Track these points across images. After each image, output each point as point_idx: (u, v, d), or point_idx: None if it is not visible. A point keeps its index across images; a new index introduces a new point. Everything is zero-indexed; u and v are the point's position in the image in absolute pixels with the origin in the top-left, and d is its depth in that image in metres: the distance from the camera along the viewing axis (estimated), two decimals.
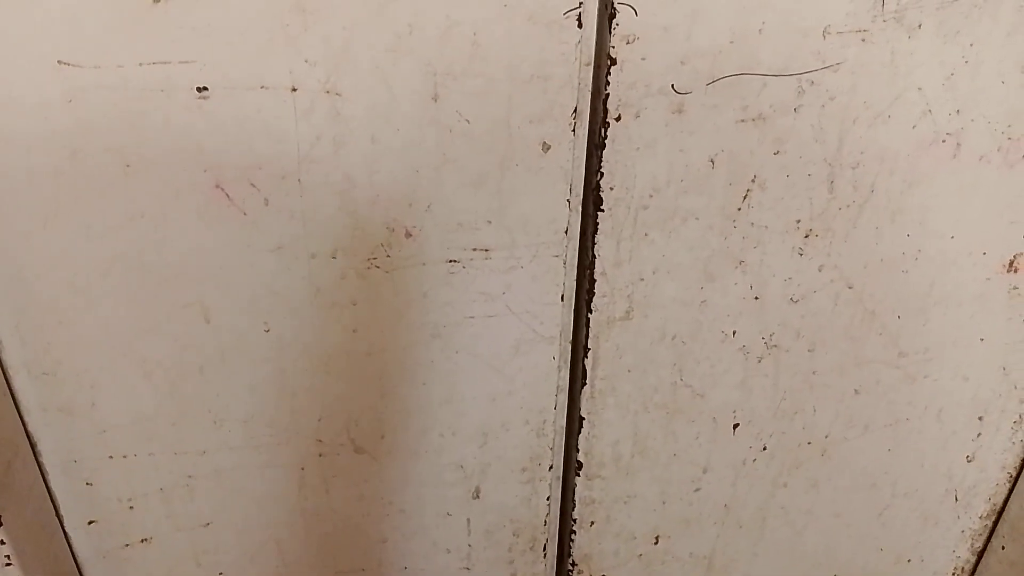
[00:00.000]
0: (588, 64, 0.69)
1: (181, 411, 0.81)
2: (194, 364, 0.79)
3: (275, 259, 0.74)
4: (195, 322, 0.76)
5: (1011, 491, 1.08)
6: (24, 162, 0.66)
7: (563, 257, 0.79)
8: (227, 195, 0.70)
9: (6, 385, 0.77)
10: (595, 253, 0.79)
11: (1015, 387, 0.97)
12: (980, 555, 1.14)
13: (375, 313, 0.79)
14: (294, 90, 0.66)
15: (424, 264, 0.77)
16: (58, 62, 0.62)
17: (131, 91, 0.64)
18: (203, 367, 0.79)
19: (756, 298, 0.84)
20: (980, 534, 1.12)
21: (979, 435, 1.01)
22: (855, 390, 0.93)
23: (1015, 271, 0.87)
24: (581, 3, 0.66)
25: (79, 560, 0.90)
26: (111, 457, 0.83)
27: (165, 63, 0.63)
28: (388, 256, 0.76)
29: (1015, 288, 0.89)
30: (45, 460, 0.82)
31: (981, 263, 0.87)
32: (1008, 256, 0.87)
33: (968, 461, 1.03)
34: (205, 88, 0.64)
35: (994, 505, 1.09)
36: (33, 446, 0.81)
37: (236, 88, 0.65)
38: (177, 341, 0.77)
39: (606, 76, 0.69)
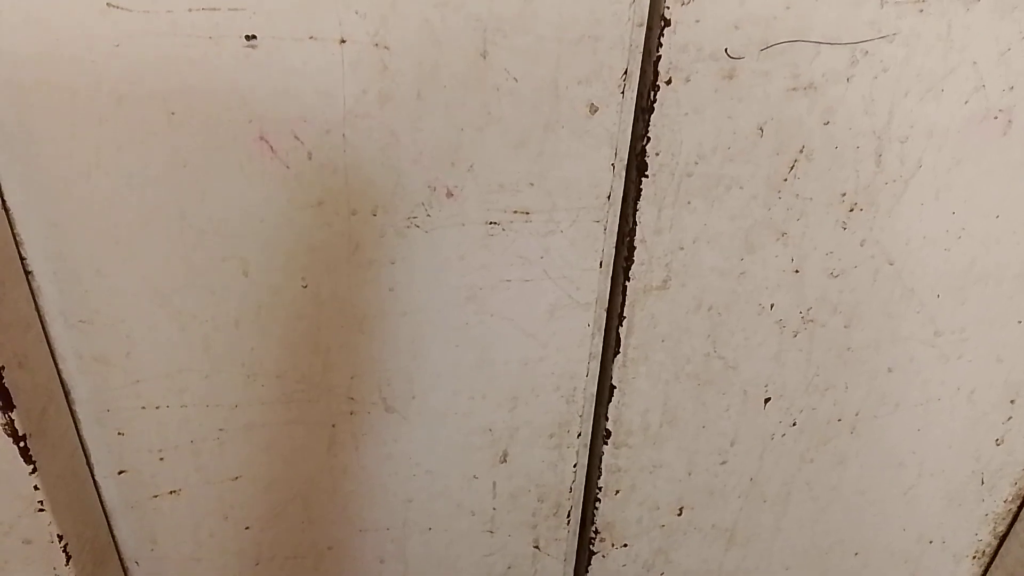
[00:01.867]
0: (641, 25, 0.68)
1: (215, 364, 0.81)
2: (230, 317, 0.78)
3: (315, 214, 0.74)
4: (233, 275, 0.76)
5: None
6: (69, 108, 0.66)
7: (604, 223, 0.78)
8: (271, 147, 0.69)
9: (43, 332, 0.77)
10: (636, 220, 0.78)
11: None
12: (1002, 539, 1.14)
13: (412, 273, 0.79)
14: (343, 42, 0.65)
15: (463, 225, 0.76)
16: (107, 5, 0.61)
17: (179, 37, 0.63)
18: (239, 321, 0.79)
19: (796, 271, 0.83)
20: (1004, 518, 1.12)
21: (1009, 418, 1.00)
22: (888, 368, 0.92)
23: None
24: None
25: (108, 509, 0.90)
26: (143, 408, 0.83)
27: (214, 10, 0.62)
28: (428, 215, 0.75)
29: None
30: (78, 409, 0.82)
31: (1023, 243, 0.86)
32: None
33: (997, 444, 1.02)
34: (254, 36, 0.64)
35: (1020, 489, 1.09)
36: (67, 394, 0.81)
37: (285, 38, 0.64)
38: (214, 294, 0.77)
39: (659, 38, 0.68)
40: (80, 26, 0.62)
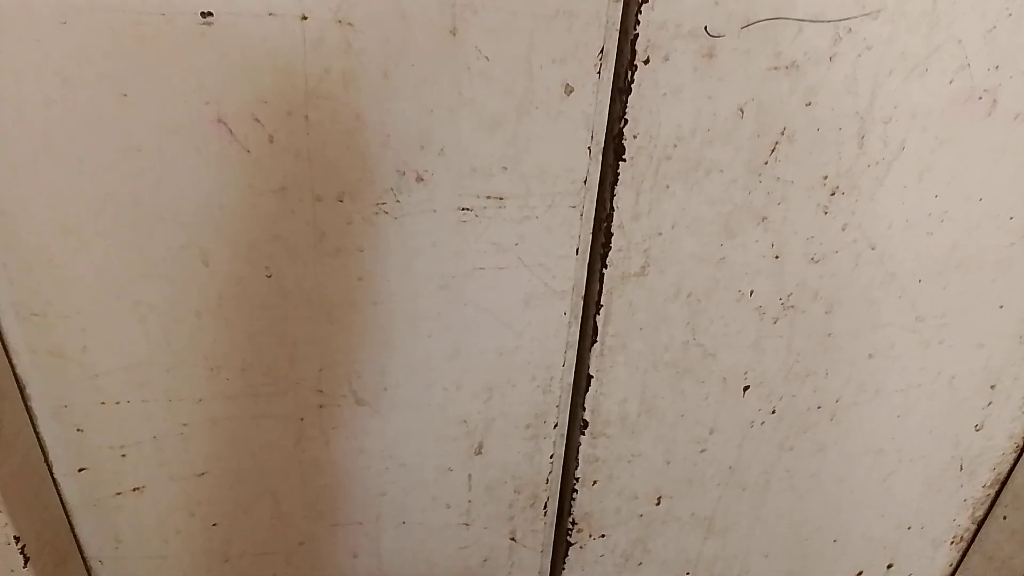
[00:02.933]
0: (617, 0, 0.65)
1: (176, 357, 0.78)
2: (190, 309, 0.75)
3: (278, 201, 0.70)
4: (192, 265, 0.73)
5: (1017, 460, 1.07)
6: (13, 91, 0.62)
7: (580, 208, 0.76)
8: (229, 130, 0.66)
9: None
10: (613, 205, 0.76)
11: None
12: (980, 524, 1.14)
13: (382, 261, 0.76)
14: (304, 18, 0.62)
15: (435, 211, 0.73)
16: None
17: (130, 14, 0.60)
18: (200, 312, 0.75)
19: (776, 257, 0.81)
20: (982, 503, 1.11)
21: (989, 404, 0.99)
22: (869, 354, 0.91)
23: None
24: None
25: (68, 507, 0.87)
26: (103, 403, 0.80)
27: None
28: (397, 201, 0.72)
29: None
30: (34, 405, 0.79)
31: (1006, 227, 0.84)
32: None
33: (976, 430, 1.02)
34: (210, 13, 0.60)
35: (999, 474, 1.08)
36: (22, 390, 0.78)
37: (242, 14, 0.61)
38: (173, 284, 0.74)
39: (636, 14, 0.65)
40: (23, 2, 0.58)
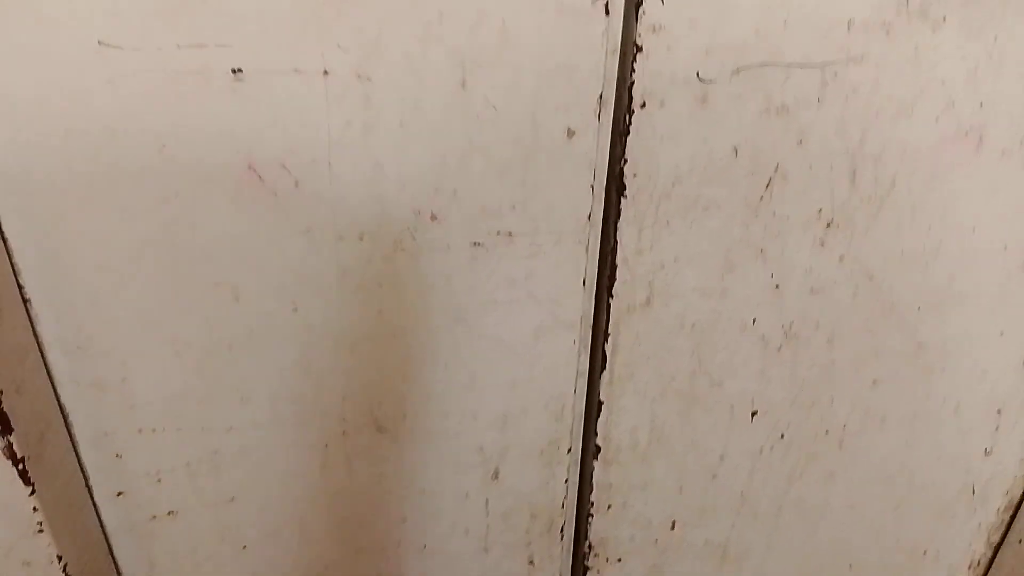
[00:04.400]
0: (614, 52, 0.70)
1: (208, 388, 0.83)
2: (223, 342, 0.80)
3: (304, 241, 0.76)
4: (224, 301, 0.78)
5: None
6: (64, 142, 0.68)
7: (585, 244, 0.80)
8: (259, 177, 0.71)
9: (41, 359, 0.79)
10: (617, 240, 0.80)
11: None
12: (996, 549, 1.15)
13: (400, 296, 0.81)
14: (326, 75, 0.67)
15: (449, 248, 0.78)
16: (99, 43, 0.64)
17: (169, 73, 0.66)
18: (231, 345, 0.80)
19: (776, 288, 0.85)
20: (997, 528, 1.12)
21: (997, 429, 1.01)
22: (873, 382, 0.93)
23: None
24: None
25: (107, 530, 0.92)
26: (140, 431, 0.85)
27: (202, 46, 0.65)
28: (414, 239, 0.77)
29: None
30: (77, 432, 0.84)
31: (1001, 258, 0.87)
32: None
33: (986, 455, 1.03)
34: (240, 71, 0.66)
35: (1011, 499, 1.09)
36: (65, 418, 0.83)
37: (270, 72, 0.67)
38: (206, 320, 0.79)
39: (632, 64, 0.70)
40: (73, 64, 0.64)
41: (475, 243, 0.78)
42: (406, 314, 0.82)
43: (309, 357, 0.83)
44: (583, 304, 0.84)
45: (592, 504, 0.99)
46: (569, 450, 0.95)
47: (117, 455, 0.86)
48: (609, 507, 0.99)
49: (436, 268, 0.80)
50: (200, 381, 0.83)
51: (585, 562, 1.04)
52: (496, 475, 0.95)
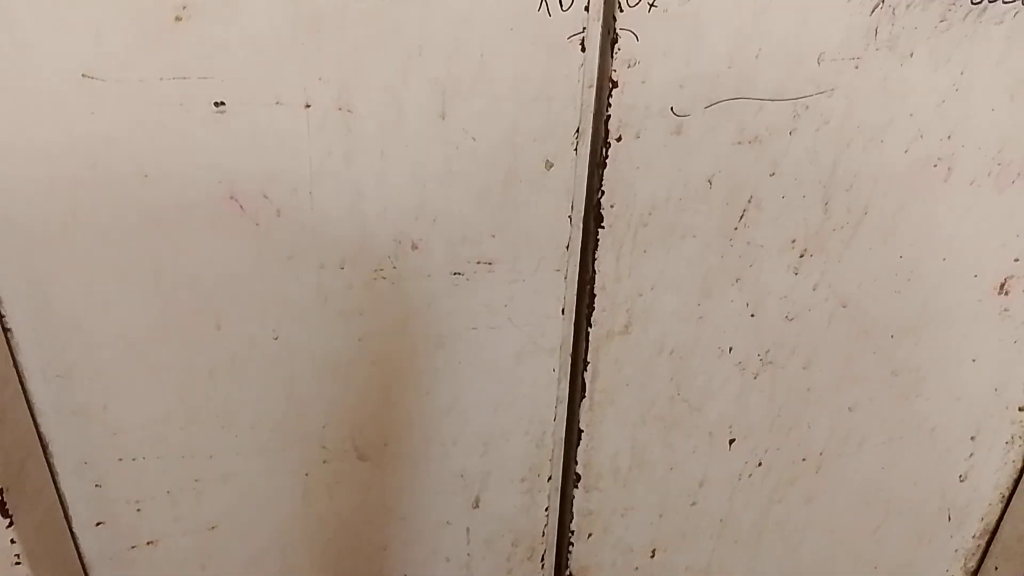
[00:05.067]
0: (591, 86, 0.72)
1: (190, 415, 0.83)
2: (204, 369, 0.81)
3: (285, 269, 0.77)
4: (206, 328, 0.79)
5: (1004, 511, 1.10)
6: (46, 171, 0.69)
7: (564, 271, 0.81)
8: (240, 206, 0.72)
9: (20, 387, 0.79)
10: (595, 268, 0.81)
11: (1007, 407, 0.99)
12: (973, 574, 1.16)
13: (381, 323, 0.81)
14: (307, 106, 0.69)
15: (429, 276, 0.79)
16: (83, 76, 0.65)
17: (151, 104, 0.67)
18: (213, 372, 0.81)
19: (752, 315, 0.86)
20: (974, 553, 1.13)
21: (972, 455, 1.02)
22: (849, 407, 0.95)
23: (1006, 293, 0.89)
24: (584, 28, 0.69)
25: (86, 561, 0.91)
26: (120, 459, 0.85)
27: (184, 78, 0.66)
28: (394, 267, 0.78)
29: (1006, 310, 0.91)
30: (56, 461, 0.84)
31: (973, 284, 0.89)
32: (999, 279, 0.89)
33: (961, 480, 1.05)
34: (222, 103, 0.67)
35: (987, 525, 1.10)
36: (45, 447, 0.83)
37: (252, 103, 0.68)
38: (188, 346, 0.80)
39: (608, 98, 0.72)
40: (57, 94, 0.65)
41: (455, 272, 0.79)
42: (387, 341, 0.83)
43: (291, 384, 0.83)
44: (562, 331, 0.85)
45: (572, 532, 1.00)
46: (549, 477, 0.95)
47: (97, 484, 0.86)
48: (590, 535, 1.00)
49: (417, 295, 0.80)
50: (182, 408, 0.83)
51: None
52: (477, 502, 0.96)
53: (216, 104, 0.67)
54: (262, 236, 0.74)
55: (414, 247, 0.77)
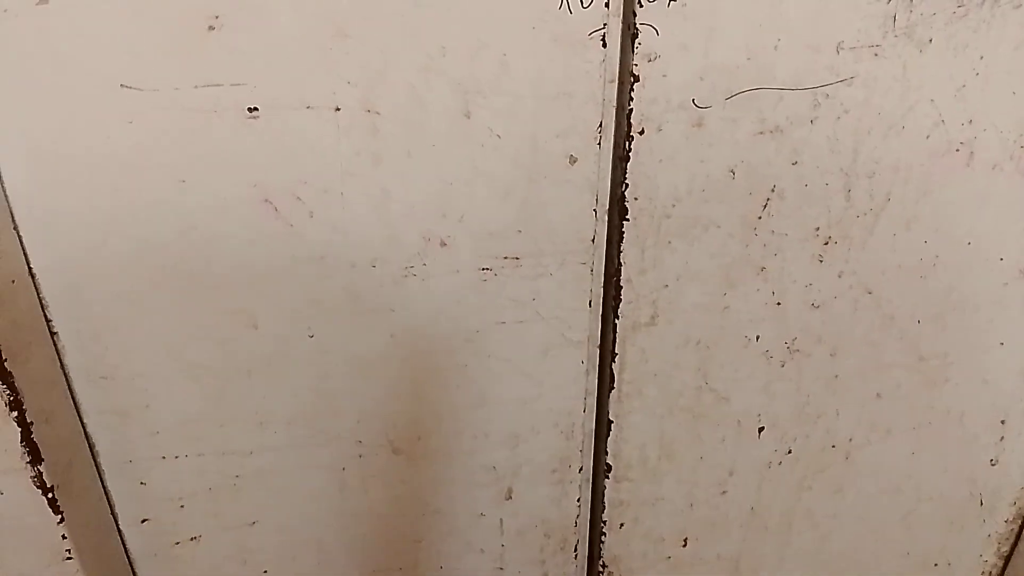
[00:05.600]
0: (612, 81, 0.73)
1: (228, 413, 0.86)
2: (241, 368, 0.83)
3: (318, 268, 0.79)
4: (242, 329, 0.81)
5: None
6: (85, 179, 0.71)
7: (590, 264, 0.83)
8: (274, 208, 0.74)
9: (67, 389, 0.82)
10: (620, 261, 0.82)
11: None
12: (1007, 559, 1.15)
13: (411, 319, 0.83)
14: (337, 109, 0.71)
15: (458, 272, 0.81)
16: (120, 86, 0.67)
17: (186, 112, 0.69)
18: (250, 371, 0.83)
19: (778, 304, 0.87)
20: (1007, 538, 1.13)
21: (1002, 439, 1.02)
22: (877, 394, 0.95)
23: None
24: (605, 24, 0.70)
25: (132, 557, 0.94)
26: (163, 458, 0.88)
27: (218, 85, 0.68)
28: (424, 265, 0.80)
29: None
30: (102, 460, 0.87)
31: (998, 269, 0.89)
32: (1023, 262, 0.89)
33: (992, 465, 1.05)
34: (255, 108, 0.69)
35: (1019, 509, 1.10)
36: (91, 447, 0.86)
37: (283, 108, 0.70)
38: (225, 347, 0.82)
39: (629, 92, 0.73)
40: (96, 104, 0.68)
41: (483, 268, 0.81)
42: (417, 337, 0.85)
43: (324, 381, 0.85)
44: (589, 323, 0.86)
45: (604, 522, 1.01)
46: (580, 468, 0.97)
47: (141, 482, 0.89)
48: (621, 525, 1.01)
49: (446, 292, 0.82)
50: (219, 407, 0.85)
51: None
52: (509, 494, 0.97)
53: (249, 110, 0.70)
54: (296, 237, 0.76)
55: (442, 244, 0.79)
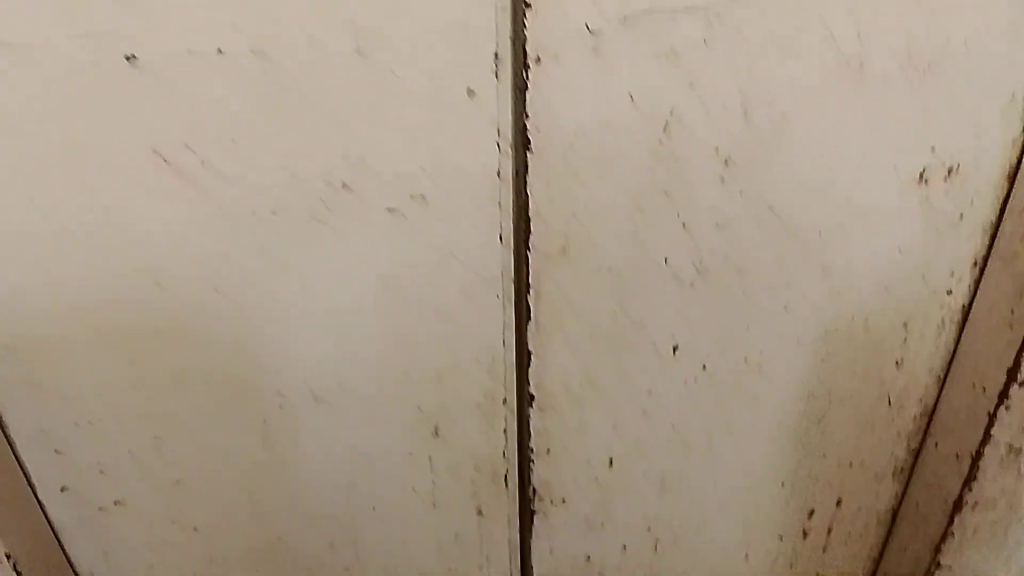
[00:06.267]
0: (505, 9, 0.72)
1: (141, 374, 0.84)
2: (151, 327, 0.81)
3: (220, 221, 0.77)
4: (148, 288, 0.79)
5: (940, 392, 1.15)
6: None
7: (498, 199, 0.82)
8: (164, 160, 0.72)
9: None
10: (528, 193, 0.82)
11: (935, 293, 1.03)
12: (916, 454, 1.22)
13: (322, 267, 0.82)
14: (221, 53, 0.68)
15: (364, 216, 0.80)
16: None
17: (63, 64, 0.66)
18: (159, 330, 0.81)
19: (684, 226, 0.88)
20: (915, 434, 1.20)
21: (905, 340, 1.07)
22: (784, 307, 0.98)
23: (926, 182, 0.93)
24: None
25: (55, 526, 0.93)
26: (77, 424, 0.86)
27: (94, 34, 0.65)
28: (328, 209, 0.79)
29: (927, 199, 0.94)
30: (12, 431, 0.84)
31: (894, 178, 0.92)
32: (918, 169, 0.92)
33: (897, 366, 1.10)
34: (134, 57, 0.66)
35: (925, 406, 1.16)
36: (0, 417, 0.83)
37: (164, 55, 0.67)
38: (132, 307, 0.80)
39: (523, 20, 0.72)
40: None
41: (390, 209, 0.80)
42: (331, 284, 0.84)
43: (238, 335, 0.84)
44: (502, 258, 0.87)
45: (532, 450, 1.03)
46: (504, 400, 0.98)
47: (57, 450, 0.87)
48: (549, 451, 1.03)
49: (354, 236, 0.81)
50: (132, 369, 0.83)
51: (531, 506, 1.08)
52: (437, 432, 0.98)
53: (128, 58, 0.66)
54: (191, 189, 0.74)
55: (345, 187, 0.78)
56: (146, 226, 0.76)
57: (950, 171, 0.94)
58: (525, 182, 0.82)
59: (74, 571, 0.97)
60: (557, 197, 0.83)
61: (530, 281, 0.89)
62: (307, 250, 0.80)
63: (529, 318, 0.91)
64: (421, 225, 0.82)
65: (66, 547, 0.95)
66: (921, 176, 0.93)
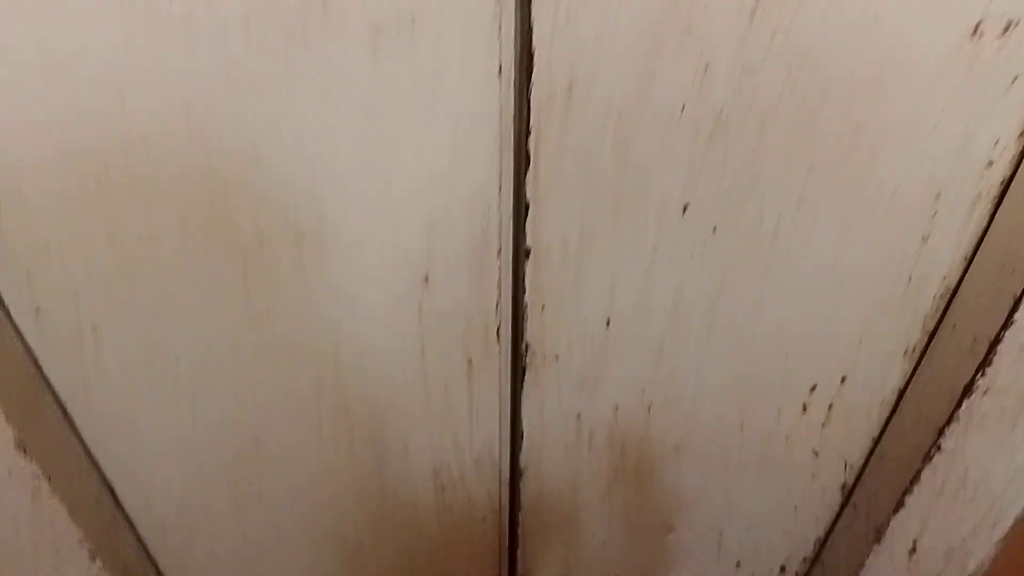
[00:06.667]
0: None
1: (107, 195, 0.79)
2: (116, 143, 0.76)
3: (182, 31, 0.69)
4: (110, 102, 0.73)
5: (966, 270, 1.08)
6: None
7: (498, 22, 0.74)
8: None
9: None
10: (532, 18, 0.74)
11: (974, 164, 0.94)
12: (931, 335, 1.16)
13: (300, 95, 0.75)
14: None
15: (344, 36, 0.72)
16: None
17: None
18: (125, 145, 0.76)
19: (705, 67, 0.80)
20: (932, 315, 1.13)
21: (935, 214, 0.99)
22: (809, 168, 0.90)
23: (980, 36, 0.82)
24: None
25: (35, 353, 0.91)
26: (48, 246, 0.82)
27: None
28: (305, 28, 0.71)
29: (979, 57, 0.84)
30: None
31: (944, 28, 0.82)
32: (974, 20, 0.81)
33: (923, 241, 1.02)
34: None
35: (948, 286, 1.09)
36: None
37: None
38: (94, 122, 0.74)
39: None
40: None
41: (375, 28, 0.72)
42: (311, 115, 0.77)
43: (210, 168, 0.78)
44: (500, 93, 0.79)
45: (526, 305, 0.99)
46: (499, 251, 0.93)
47: (28, 272, 0.84)
48: (543, 307, 0.99)
49: (335, 60, 0.74)
50: (99, 189, 0.79)
51: (523, 362, 1.05)
52: (427, 279, 0.94)
53: None
54: None
55: (324, 2, 0.70)
56: (105, 32, 0.68)
57: (1008, 26, 0.84)
58: (529, 5, 0.73)
59: (56, 397, 0.96)
60: (563, 24, 0.74)
61: (531, 124, 0.81)
62: (281, 73, 0.73)
63: (528, 164, 0.84)
64: (408, 50, 0.74)
65: (46, 373, 0.93)
66: (976, 29, 0.82)
